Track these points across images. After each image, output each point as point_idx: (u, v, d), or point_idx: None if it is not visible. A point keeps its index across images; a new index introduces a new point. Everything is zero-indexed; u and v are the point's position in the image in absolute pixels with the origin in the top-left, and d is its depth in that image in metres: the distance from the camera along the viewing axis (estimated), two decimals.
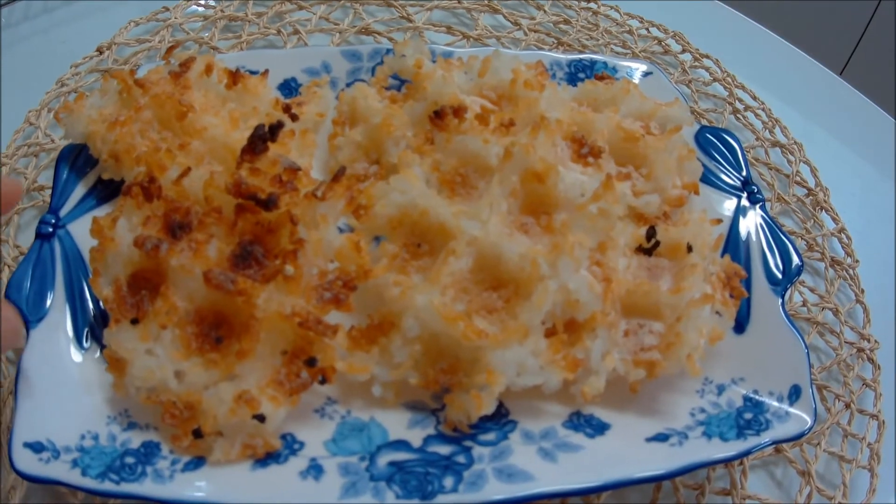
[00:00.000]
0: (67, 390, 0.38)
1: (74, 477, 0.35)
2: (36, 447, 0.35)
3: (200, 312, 0.37)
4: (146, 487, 0.35)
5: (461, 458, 0.37)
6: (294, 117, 0.45)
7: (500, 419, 0.39)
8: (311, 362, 0.36)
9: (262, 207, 0.37)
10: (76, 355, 0.39)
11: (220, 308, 0.37)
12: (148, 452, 0.37)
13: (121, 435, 0.37)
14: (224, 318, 0.38)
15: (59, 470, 0.35)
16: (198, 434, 0.36)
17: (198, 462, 0.37)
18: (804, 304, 0.53)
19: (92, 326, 0.41)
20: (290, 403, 0.36)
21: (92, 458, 0.36)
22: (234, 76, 0.45)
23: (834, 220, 0.59)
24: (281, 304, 0.36)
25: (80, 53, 0.60)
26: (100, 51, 0.60)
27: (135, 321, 0.37)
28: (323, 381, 0.37)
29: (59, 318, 0.40)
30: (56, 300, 0.41)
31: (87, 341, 0.40)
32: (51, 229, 0.43)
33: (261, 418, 0.36)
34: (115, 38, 0.61)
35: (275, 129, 0.38)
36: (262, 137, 0.38)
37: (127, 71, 0.44)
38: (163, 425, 0.37)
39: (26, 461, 0.34)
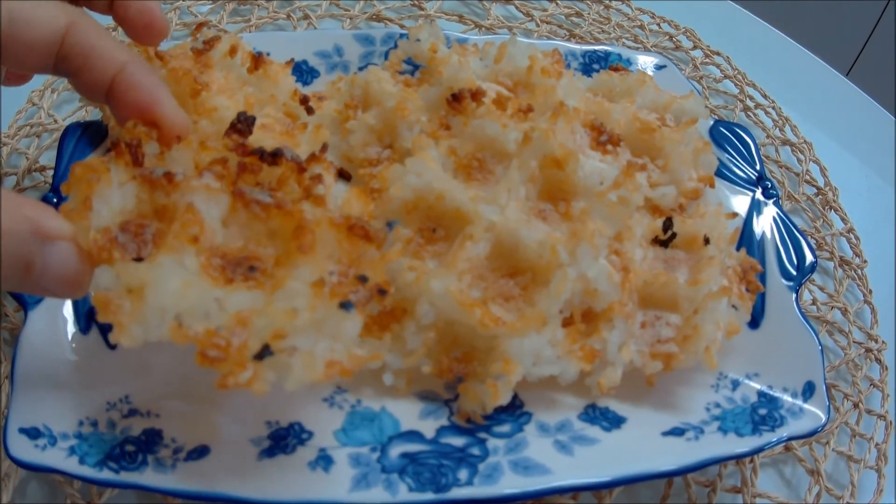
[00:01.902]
0: (66, 375, 0.36)
1: (72, 465, 0.33)
2: (32, 433, 0.34)
3: (223, 248, 0.31)
4: (147, 477, 0.34)
5: (476, 450, 0.36)
6: (310, 110, 0.43)
7: (514, 410, 0.38)
8: (362, 279, 0.31)
9: (268, 161, 0.32)
10: (75, 339, 0.38)
11: (246, 243, 0.31)
12: (149, 440, 0.35)
13: (121, 422, 0.36)
14: (250, 255, 0.31)
15: (56, 457, 0.33)
16: (264, 353, 0.28)
17: (202, 451, 0.35)
18: (814, 302, 0.53)
19: (92, 309, 0.39)
20: (360, 318, 0.30)
21: (90, 445, 0.34)
22: (257, 61, 0.43)
23: (843, 219, 0.59)
24: (326, 213, 0.31)
25: None
26: None
27: (138, 260, 0.30)
28: (383, 293, 0.31)
29: (59, 302, 0.39)
30: None
31: (87, 325, 0.39)
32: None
33: (347, 306, 0.29)
34: None
35: (249, 122, 0.34)
36: (239, 129, 0.34)
37: None
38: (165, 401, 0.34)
39: (22, 447, 0.33)
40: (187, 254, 0.29)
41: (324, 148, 0.36)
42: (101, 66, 0.33)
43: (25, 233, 0.28)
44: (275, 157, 0.32)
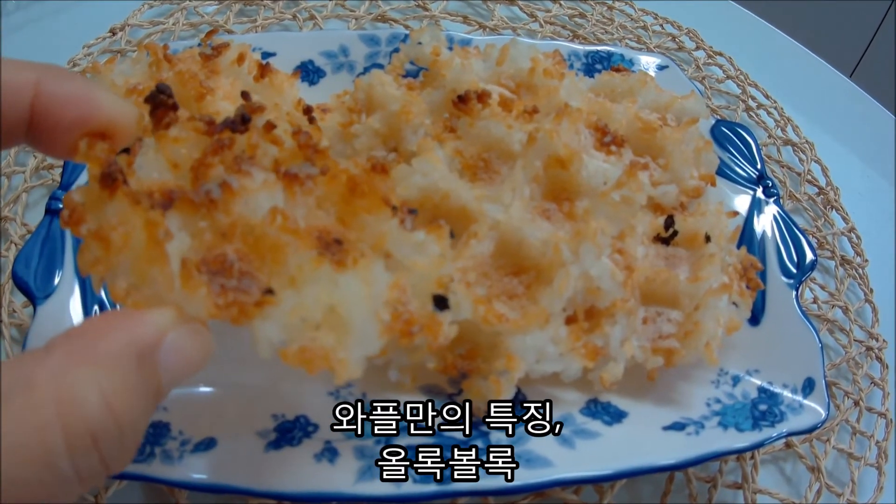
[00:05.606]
0: None
1: None
2: None
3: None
4: (154, 468, 0.34)
5: (479, 443, 0.36)
6: (312, 121, 0.44)
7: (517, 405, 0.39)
8: (412, 212, 0.31)
9: (240, 130, 0.29)
10: None
11: (307, 221, 0.28)
12: (157, 433, 0.36)
13: None
14: (323, 231, 0.28)
15: None
16: (444, 301, 0.29)
17: (209, 443, 0.36)
18: (815, 300, 0.53)
19: (101, 305, 0.40)
20: None
21: None
22: (263, 69, 0.43)
23: (844, 219, 0.59)
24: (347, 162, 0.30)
25: (93, 34, 0.59)
26: (112, 32, 0.60)
27: (269, 292, 0.25)
28: (414, 212, 0.31)
29: (68, 296, 0.40)
30: (65, 278, 0.40)
31: None
32: (61, 205, 0.42)
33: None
34: (128, 19, 0.60)
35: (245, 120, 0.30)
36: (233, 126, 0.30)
37: (161, 45, 0.43)
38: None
39: None
40: (318, 258, 0.25)
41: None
42: (10, 98, 0.25)
43: (131, 364, 0.23)
44: (244, 122, 0.29)
